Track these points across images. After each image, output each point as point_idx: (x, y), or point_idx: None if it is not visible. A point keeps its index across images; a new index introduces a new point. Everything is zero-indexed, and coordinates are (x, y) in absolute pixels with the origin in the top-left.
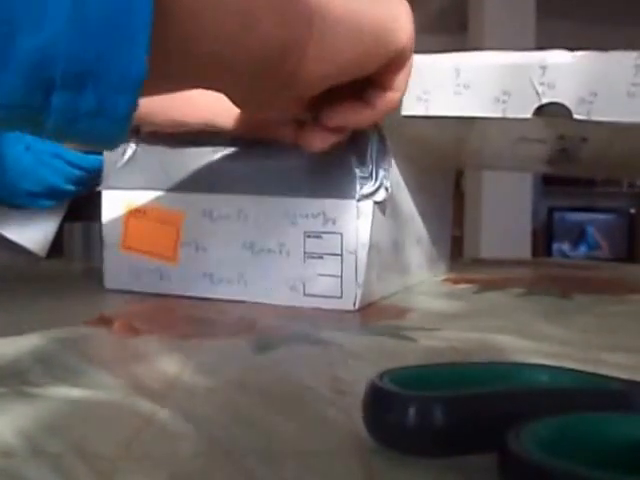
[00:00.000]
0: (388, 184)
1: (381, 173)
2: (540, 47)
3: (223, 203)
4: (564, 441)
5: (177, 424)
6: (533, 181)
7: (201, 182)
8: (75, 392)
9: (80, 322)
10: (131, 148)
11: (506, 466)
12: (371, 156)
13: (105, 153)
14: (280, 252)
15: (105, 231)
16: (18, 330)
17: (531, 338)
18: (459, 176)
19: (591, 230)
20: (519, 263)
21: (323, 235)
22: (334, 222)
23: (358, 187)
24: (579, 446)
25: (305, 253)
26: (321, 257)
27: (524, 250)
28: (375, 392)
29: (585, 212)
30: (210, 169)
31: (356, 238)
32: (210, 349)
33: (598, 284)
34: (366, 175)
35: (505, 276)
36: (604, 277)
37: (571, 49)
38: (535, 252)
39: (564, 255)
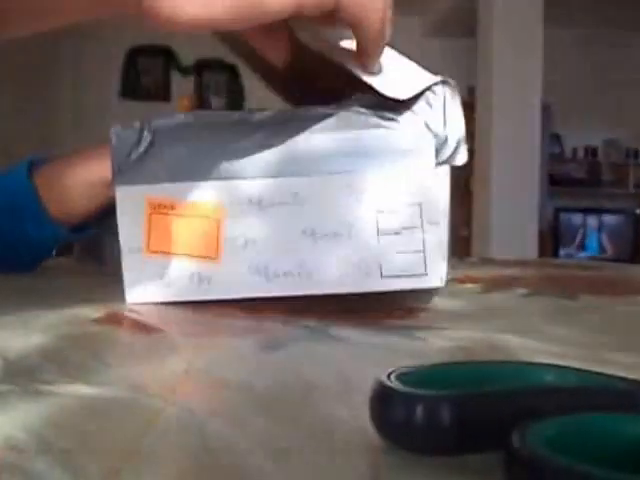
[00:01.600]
0: (466, 147)
1: (456, 135)
2: (548, 51)
3: (273, 188)
4: (570, 441)
5: (185, 422)
6: (539, 182)
7: (243, 166)
8: (84, 389)
9: (89, 320)
10: (147, 136)
11: (512, 465)
12: (444, 116)
13: (114, 144)
14: (348, 235)
15: (123, 234)
16: (28, 327)
17: (537, 338)
18: (468, 176)
19: (597, 231)
20: (525, 263)
21: (399, 209)
22: (411, 193)
23: (435, 151)
24: (585, 446)
25: (379, 231)
26: (398, 233)
27: (531, 250)
28: (383, 391)
29: (591, 213)
30: (253, 151)
31: (437, 207)
32: (218, 347)
33: (604, 284)
34: (442, 138)
35: (511, 276)
36: (609, 277)
37: (579, 53)
38: (542, 252)
39: (570, 255)
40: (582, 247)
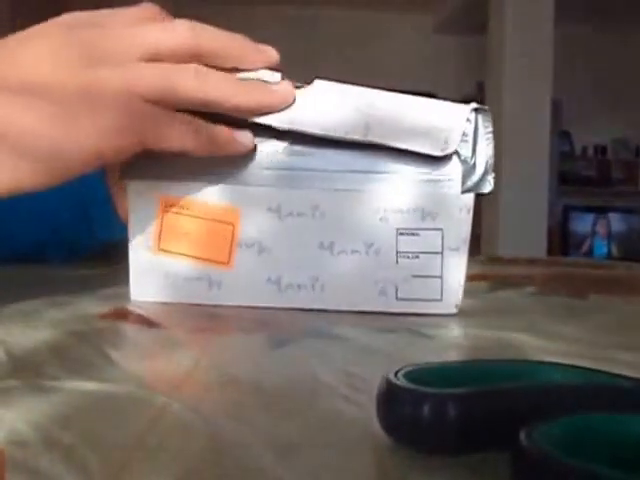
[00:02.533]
0: (493, 175)
1: (485, 162)
2: (558, 47)
3: (293, 198)
4: (577, 440)
5: (190, 418)
6: (549, 180)
7: (265, 173)
8: (89, 385)
9: (95, 315)
10: None
11: (520, 464)
12: (474, 143)
13: None
14: (367, 252)
15: (132, 230)
16: (33, 323)
17: (545, 336)
18: None
19: (606, 229)
20: (534, 261)
21: (420, 232)
22: (434, 217)
23: (462, 178)
24: (592, 445)
25: (398, 252)
26: (417, 256)
27: (540, 249)
28: (389, 388)
29: (601, 211)
30: (275, 158)
31: (458, 234)
32: (224, 344)
33: (613, 283)
34: (470, 165)
35: (520, 274)
36: (619, 276)
37: (589, 50)
38: (551, 251)
39: (580, 254)
40: (591, 246)
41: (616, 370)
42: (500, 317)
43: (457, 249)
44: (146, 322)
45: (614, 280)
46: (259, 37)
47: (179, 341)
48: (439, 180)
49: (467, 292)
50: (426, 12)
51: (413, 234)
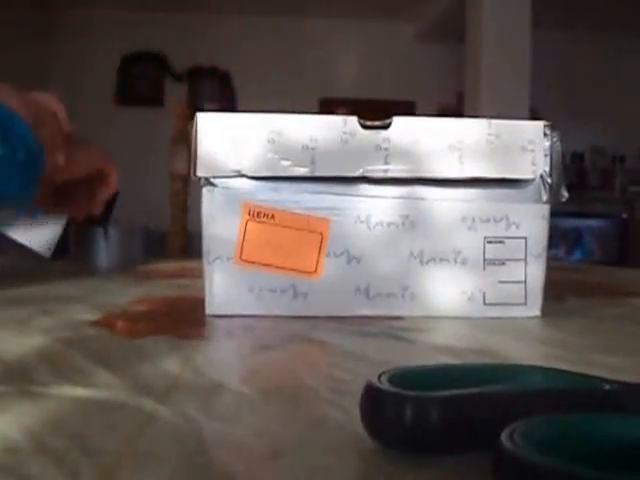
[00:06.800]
0: (564, 184)
1: (558, 174)
2: (535, 56)
3: (383, 208)
4: (558, 441)
5: (179, 423)
6: None
7: (355, 183)
8: (79, 391)
9: (85, 322)
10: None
11: (501, 465)
12: (551, 157)
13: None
14: (455, 260)
15: (208, 239)
16: (24, 330)
17: (525, 339)
18: None
19: (584, 235)
20: None
21: (506, 240)
22: (518, 226)
23: (543, 190)
24: (573, 446)
25: (485, 260)
26: (503, 263)
27: None
28: (373, 392)
29: (578, 217)
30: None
31: (540, 242)
32: (211, 349)
33: (592, 287)
34: (547, 178)
35: None
36: (598, 280)
37: (565, 59)
38: None
39: (558, 259)
40: (569, 250)
41: (595, 372)
42: (481, 321)
43: (539, 256)
44: (135, 329)
45: (592, 283)
46: (246, 46)
47: (167, 348)
48: (523, 192)
49: None
50: (407, 21)
51: (500, 242)
